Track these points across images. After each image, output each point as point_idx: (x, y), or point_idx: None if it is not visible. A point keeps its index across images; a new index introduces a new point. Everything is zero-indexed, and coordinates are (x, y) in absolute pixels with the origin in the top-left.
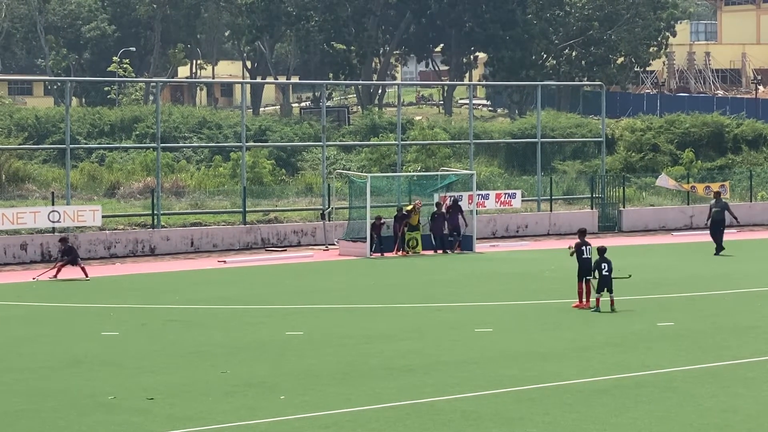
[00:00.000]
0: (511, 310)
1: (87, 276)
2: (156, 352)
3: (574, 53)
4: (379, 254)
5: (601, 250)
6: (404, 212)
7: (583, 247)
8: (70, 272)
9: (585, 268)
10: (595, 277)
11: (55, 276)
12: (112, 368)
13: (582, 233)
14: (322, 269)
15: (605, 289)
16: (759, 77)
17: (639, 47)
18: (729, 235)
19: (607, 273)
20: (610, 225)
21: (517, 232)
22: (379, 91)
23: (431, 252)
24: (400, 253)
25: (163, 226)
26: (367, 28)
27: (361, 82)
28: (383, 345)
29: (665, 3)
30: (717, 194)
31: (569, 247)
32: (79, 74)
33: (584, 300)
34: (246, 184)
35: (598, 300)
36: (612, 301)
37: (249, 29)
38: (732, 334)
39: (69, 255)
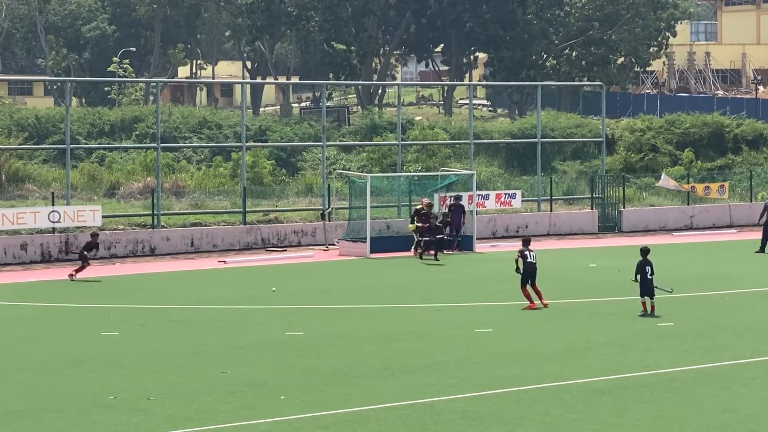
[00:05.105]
0: (511, 310)
1: (74, 276)
2: (156, 352)
3: (574, 53)
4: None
5: (644, 251)
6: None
7: (527, 252)
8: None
9: (529, 271)
10: (636, 280)
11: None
12: (112, 368)
13: (526, 242)
14: (322, 269)
15: (647, 294)
16: (759, 77)
17: (639, 47)
18: (728, 236)
19: (650, 277)
20: (610, 225)
21: (517, 232)
22: (379, 91)
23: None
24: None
25: (163, 226)
26: (367, 28)
27: (361, 82)
28: (383, 345)
29: (665, 3)
30: None
31: (516, 261)
32: (79, 74)
33: (533, 301)
34: (246, 184)
35: (644, 304)
36: (653, 306)
37: (249, 29)
38: (732, 334)
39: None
